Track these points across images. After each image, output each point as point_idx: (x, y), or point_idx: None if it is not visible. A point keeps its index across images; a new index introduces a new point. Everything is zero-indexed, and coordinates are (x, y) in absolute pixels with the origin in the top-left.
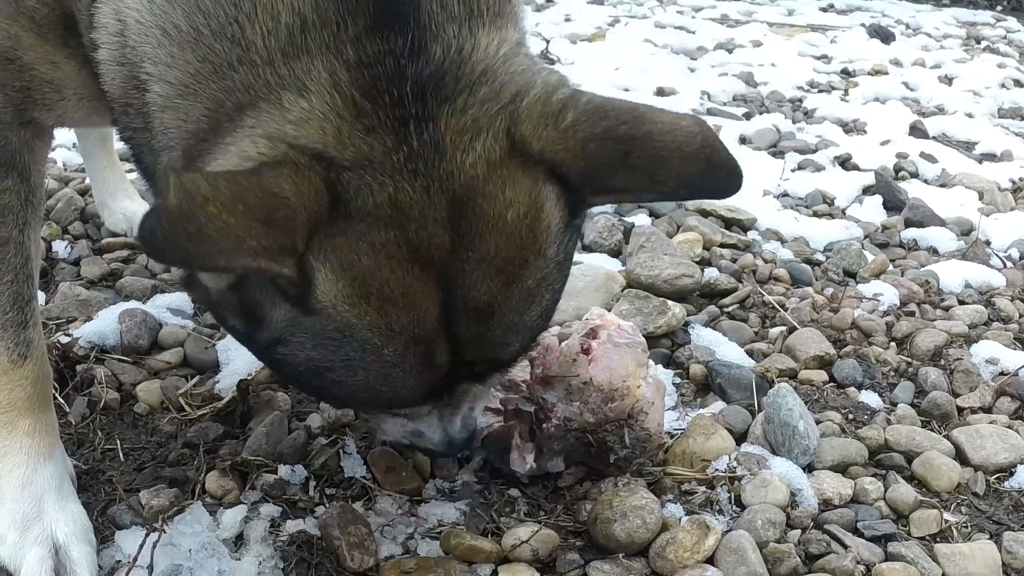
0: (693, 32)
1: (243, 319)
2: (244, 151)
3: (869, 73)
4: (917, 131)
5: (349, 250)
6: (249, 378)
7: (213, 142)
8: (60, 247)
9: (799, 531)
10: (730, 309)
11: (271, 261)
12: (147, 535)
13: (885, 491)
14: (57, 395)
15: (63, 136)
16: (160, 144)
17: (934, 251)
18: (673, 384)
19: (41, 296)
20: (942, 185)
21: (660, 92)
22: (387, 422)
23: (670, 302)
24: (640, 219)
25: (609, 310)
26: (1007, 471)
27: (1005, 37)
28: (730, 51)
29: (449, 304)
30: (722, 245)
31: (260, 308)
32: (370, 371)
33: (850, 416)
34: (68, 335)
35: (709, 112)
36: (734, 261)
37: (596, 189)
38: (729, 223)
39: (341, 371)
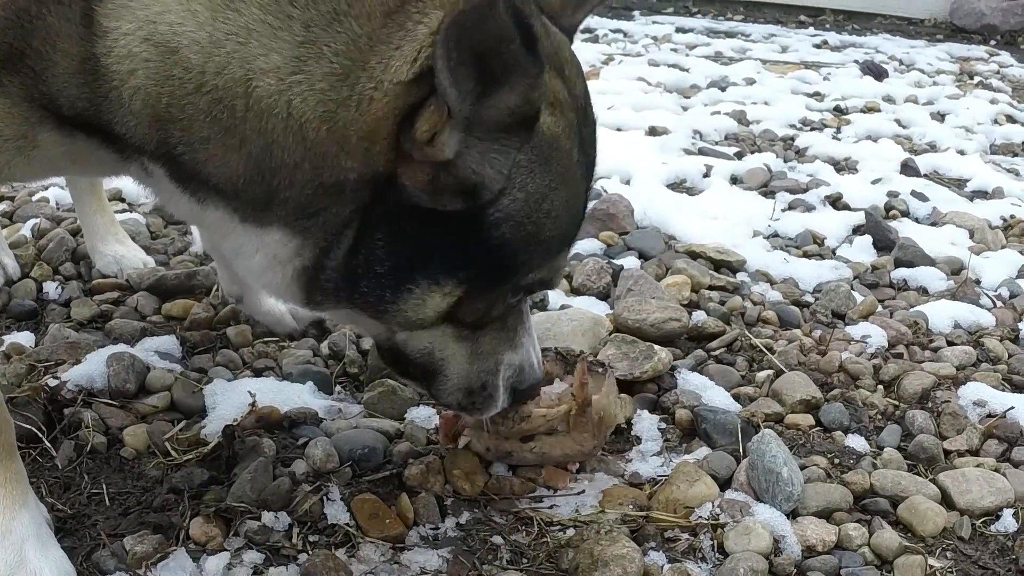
0: (687, 70)
1: (460, 197)
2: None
3: (862, 110)
4: (908, 169)
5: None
6: (235, 423)
7: (370, 63)
8: (51, 288)
9: None
10: (717, 353)
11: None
12: None
13: (870, 537)
14: (44, 439)
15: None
16: (280, 130)
17: (924, 291)
18: (658, 429)
19: (31, 337)
20: (933, 223)
21: (652, 131)
22: (501, 379)
23: (656, 347)
24: (629, 261)
25: (596, 355)
26: (993, 515)
27: (998, 72)
28: (723, 89)
29: (575, 102)
30: (711, 287)
31: (476, 173)
32: (568, 181)
33: (836, 460)
34: (57, 378)
35: (701, 151)
36: (723, 304)
37: (571, 9)
38: (718, 265)
39: (553, 194)
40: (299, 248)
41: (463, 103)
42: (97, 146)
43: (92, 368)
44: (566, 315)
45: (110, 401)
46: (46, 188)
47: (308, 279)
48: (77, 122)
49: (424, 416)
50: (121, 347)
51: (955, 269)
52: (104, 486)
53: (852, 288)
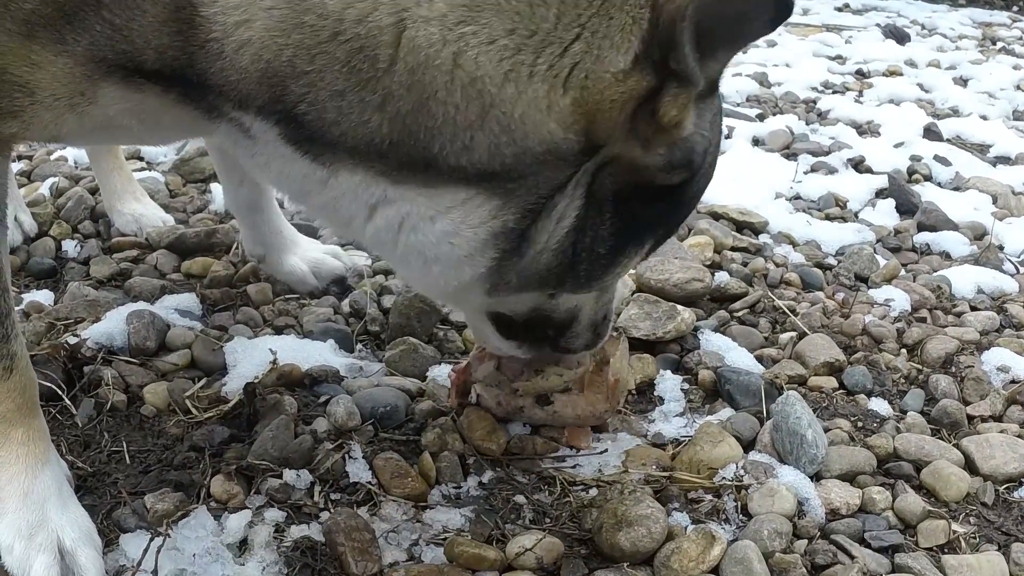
0: None
1: (686, 168)
2: None
3: (884, 74)
4: (931, 133)
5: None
6: (256, 381)
7: (572, 48)
8: (70, 246)
9: (805, 541)
10: (740, 314)
11: None
12: (151, 539)
13: (893, 501)
14: (64, 397)
15: None
16: (443, 85)
17: (947, 255)
18: (681, 390)
19: (50, 296)
20: (956, 188)
21: None
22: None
23: (679, 307)
24: None
25: (618, 315)
26: (1016, 481)
27: (1021, 38)
28: (744, 51)
29: None
30: (733, 248)
31: (700, 140)
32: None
33: (859, 424)
34: (76, 336)
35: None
36: (745, 265)
37: None
38: (741, 226)
39: (717, 146)
40: (499, 209)
41: (701, 82)
42: (174, 102)
43: (112, 326)
44: None
45: (130, 359)
46: (64, 147)
47: (504, 249)
48: (161, 75)
49: (446, 374)
50: (141, 305)
51: (978, 234)
52: (124, 444)
53: (875, 251)
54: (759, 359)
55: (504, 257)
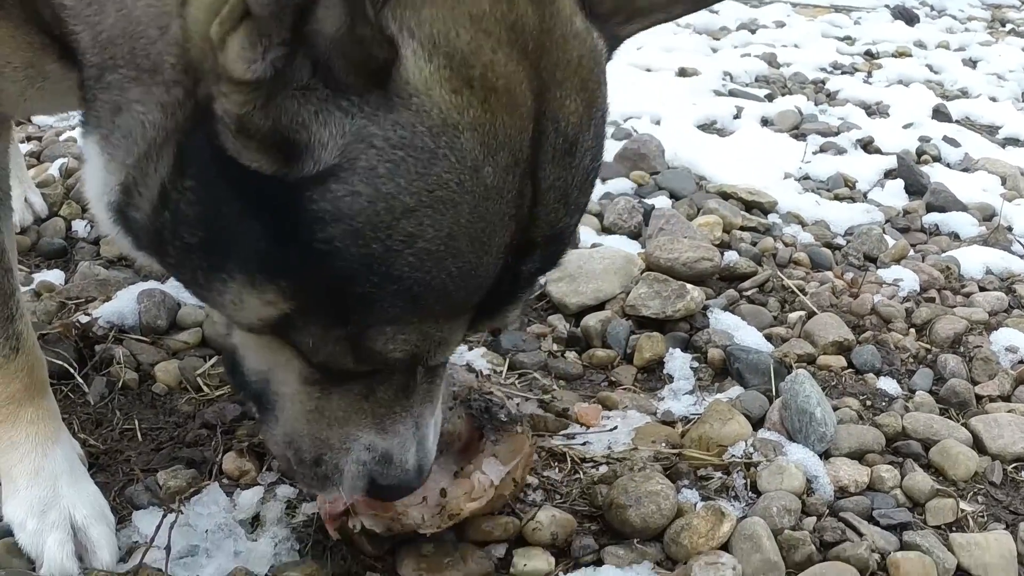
0: (716, 12)
1: (269, 154)
2: None
3: (893, 55)
4: (940, 114)
5: (442, 22)
6: None
7: None
8: (80, 226)
9: (814, 518)
10: (749, 293)
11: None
12: (164, 516)
13: (902, 479)
14: (76, 375)
15: None
16: None
17: (955, 236)
18: (691, 368)
19: (60, 275)
20: (965, 169)
21: (682, 72)
22: (352, 461)
23: (689, 285)
24: (660, 201)
25: (628, 293)
26: None
27: None
28: (753, 31)
29: (541, 117)
30: (742, 228)
31: (303, 127)
32: (461, 211)
33: (868, 403)
34: (87, 315)
35: (731, 93)
36: (754, 244)
37: (625, 17)
38: (749, 206)
39: (423, 214)
40: (107, 166)
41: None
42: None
43: (123, 305)
44: (598, 253)
45: (141, 337)
46: (73, 128)
47: (124, 223)
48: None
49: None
50: (152, 284)
51: (987, 215)
52: (136, 422)
53: (884, 232)
54: (768, 338)
55: (127, 227)
